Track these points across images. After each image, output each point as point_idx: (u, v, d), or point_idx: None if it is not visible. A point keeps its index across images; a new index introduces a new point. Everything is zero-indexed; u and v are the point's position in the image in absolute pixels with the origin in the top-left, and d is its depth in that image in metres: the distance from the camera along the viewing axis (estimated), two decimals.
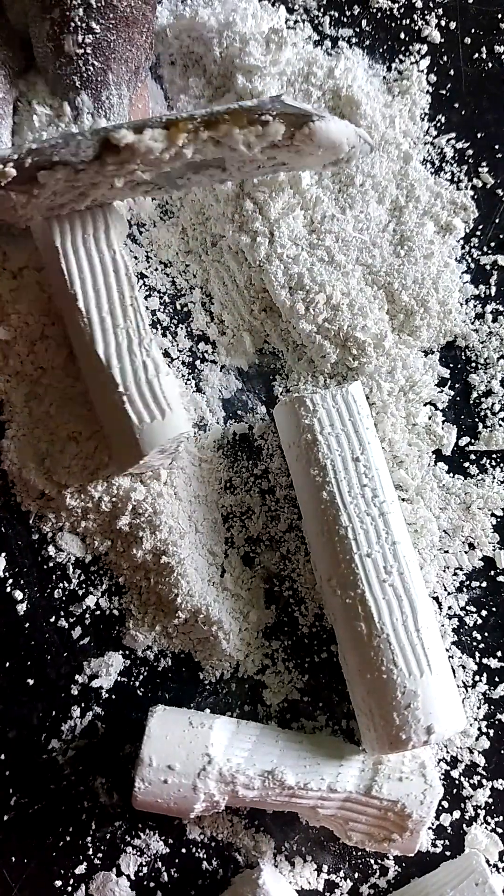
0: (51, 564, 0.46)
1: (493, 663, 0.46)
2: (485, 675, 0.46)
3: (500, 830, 0.46)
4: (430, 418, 0.47)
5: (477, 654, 0.46)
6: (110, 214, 0.42)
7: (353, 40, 0.48)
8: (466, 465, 0.47)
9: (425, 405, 0.47)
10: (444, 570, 0.47)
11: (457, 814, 0.46)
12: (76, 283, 0.41)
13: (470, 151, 0.48)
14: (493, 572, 0.47)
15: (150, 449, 0.40)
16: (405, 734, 0.39)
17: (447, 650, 0.46)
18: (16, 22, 0.43)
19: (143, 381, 0.41)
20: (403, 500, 0.46)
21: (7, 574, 0.46)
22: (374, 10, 0.49)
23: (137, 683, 0.46)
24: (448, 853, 0.46)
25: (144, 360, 0.41)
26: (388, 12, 0.49)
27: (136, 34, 0.42)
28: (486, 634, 0.47)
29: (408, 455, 0.46)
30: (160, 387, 0.41)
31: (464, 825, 0.46)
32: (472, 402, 0.48)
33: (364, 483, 0.42)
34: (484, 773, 0.46)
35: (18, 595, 0.46)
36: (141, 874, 0.45)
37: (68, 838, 0.45)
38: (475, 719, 0.46)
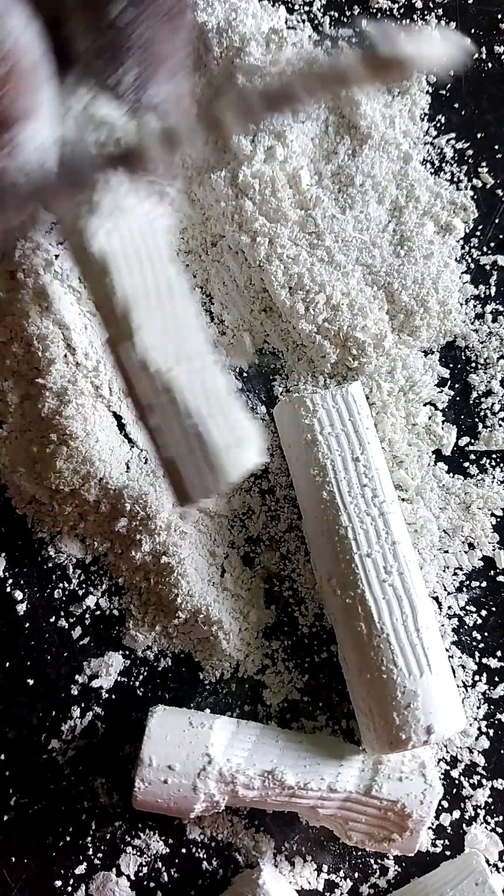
0: (51, 564, 0.46)
1: (493, 663, 0.46)
2: (485, 674, 0.46)
3: (499, 830, 0.46)
4: (430, 418, 0.47)
5: (477, 654, 0.46)
6: (160, 228, 0.39)
7: (353, 40, 0.48)
8: (466, 465, 0.47)
9: (425, 405, 0.47)
10: (444, 570, 0.47)
11: (457, 813, 0.46)
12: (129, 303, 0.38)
13: (470, 151, 0.48)
14: (492, 572, 0.47)
15: (233, 476, 0.37)
16: (405, 734, 0.39)
17: (447, 650, 0.46)
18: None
19: (215, 406, 0.37)
20: (403, 500, 0.46)
21: (7, 574, 0.46)
22: (374, 11, 0.49)
23: (137, 683, 0.46)
24: (448, 853, 0.46)
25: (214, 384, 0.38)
26: (388, 12, 0.49)
27: (179, 25, 0.41)
28: (485, 634, 0.47)
29: (408, 455, 0.46)
30: (232, 411, 0.38)
31: (464, 825, 0.46)
32: (472, 402, 0.48)
33: (364, 483, 0.42)
34: (484, 772, 0.46)
35: (18, 595, 0.46)
36: (141, 874, 0.45)
37: (68, 838, 0.45)
38: (475, 719, 0.46)
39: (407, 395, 0.46)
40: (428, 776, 0.42)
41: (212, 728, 0.42)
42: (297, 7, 0.48)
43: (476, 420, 0.47)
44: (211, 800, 0.41)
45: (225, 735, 0.42)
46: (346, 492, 0.42)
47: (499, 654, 0.46)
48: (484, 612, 0.47)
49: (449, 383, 0.48)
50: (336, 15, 0.48)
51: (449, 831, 0.46)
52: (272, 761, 0.41)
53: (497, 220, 0.48)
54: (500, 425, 0.47)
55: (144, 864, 0.45)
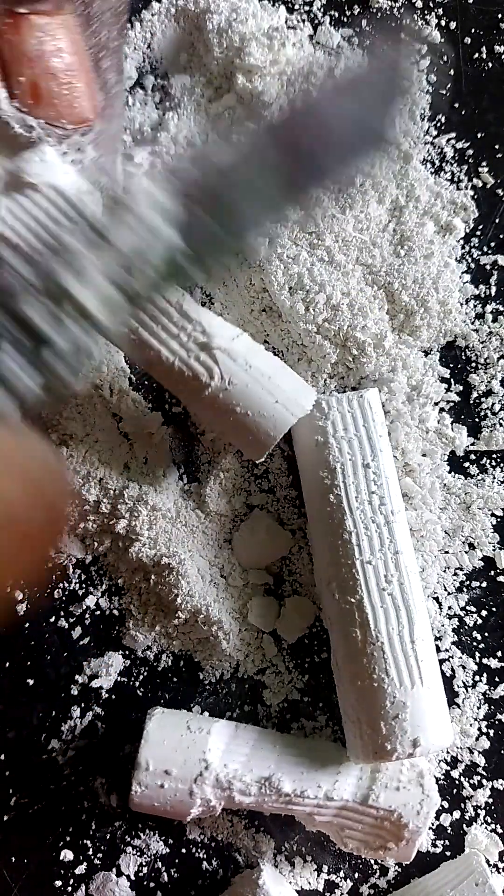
0: (51, 565, 0.46)
1: (493, 663, 0.46)
2: (485, 675, 0.46)
3: (500, 830, 0.46)
4: (438, 422, 0.47)
5: (477, 654, 0.46)
6: None
7: (354, 40, 0.48)
8: (466, 465, 0.47)
9: (434, 406, 0.47)
10: (445, 571, 0.47)
11: (457, 814, 0.46)
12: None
13: (470, 151, 0.48)
14: (493, 572, 0.47)
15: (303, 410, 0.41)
16: (391, 745, 0.39)
17: (447, 650, 0.46)
18: None
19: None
20: (409, 506, 0.46)
21: None
22: (374, 10, 0.48)
23: (137, 683, 0.46)
24: (448, 853, 0.46)
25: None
26: (388, 12, 0.48)
27: None
28: (486, 634, 0.46)
29: (420, 465, 0.46)
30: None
31: (464, 825, 0.46)
32: (472, 402, 0.47)
33: (372, 490, 0.42)
34: (484, 773, 0.46)
35: (18, 595, 0.46)
36: (141, 874, 0.45)
37: (68, 838, 0.45)
38: (475, 719, 0.46)
39: (418, 399, 0.46)
40: (426, 786, 0.42)
41: (209, 733, 0.41)
42: (297, 7, 0.48)
43: (476, 420, 0.47)
44: (207, 804, 0.41)
45: (222, 740, 0.42)
46: (354, 497, 0.42)
47: (499, 654, 0.46)
48: (484, 612, 0.47)
49: (449, 383, 0.47)
50: (336, 15, 0.48)
51: (449, 832, 0.46)
52: (269, 767, 0.41)
53: (497, 220, 0.48)
54: (500, 425, 0.47)
55: (144, 864, 0.45)
